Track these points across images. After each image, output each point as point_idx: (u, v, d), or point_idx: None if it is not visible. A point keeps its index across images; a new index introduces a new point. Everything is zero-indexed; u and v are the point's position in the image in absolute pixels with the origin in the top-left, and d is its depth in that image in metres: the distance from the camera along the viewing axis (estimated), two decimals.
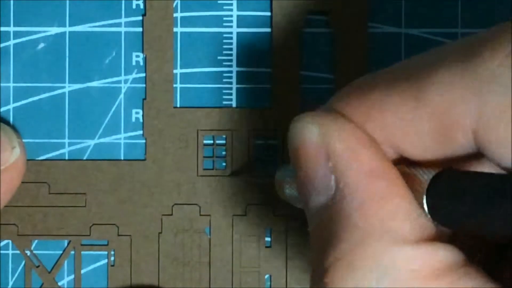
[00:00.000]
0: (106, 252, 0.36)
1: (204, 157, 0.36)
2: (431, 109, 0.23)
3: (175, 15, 0.36)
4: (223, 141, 0.36)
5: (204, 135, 0.36)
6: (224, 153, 0.36)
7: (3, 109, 0.36)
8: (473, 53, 0.23)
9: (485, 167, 0.24)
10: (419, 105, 0.24)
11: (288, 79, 0.36)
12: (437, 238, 0.24)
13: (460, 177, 0.23)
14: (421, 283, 0.23)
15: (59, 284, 0.36)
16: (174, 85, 0.36)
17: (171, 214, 0.36)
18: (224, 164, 0.36)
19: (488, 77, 0.22)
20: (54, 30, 0.36)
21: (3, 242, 0.36)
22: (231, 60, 0.36)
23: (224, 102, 0.36)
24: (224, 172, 0.36)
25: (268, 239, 0.36)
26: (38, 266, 0.36)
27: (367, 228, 0.24)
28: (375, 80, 0.25)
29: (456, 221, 0.23)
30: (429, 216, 0.24)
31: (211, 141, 0.36)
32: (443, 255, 0.23)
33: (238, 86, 0.36)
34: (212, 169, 0.36)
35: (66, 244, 0.36)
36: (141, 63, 0.36)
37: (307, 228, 0.36)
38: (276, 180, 0.32)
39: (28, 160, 0.36)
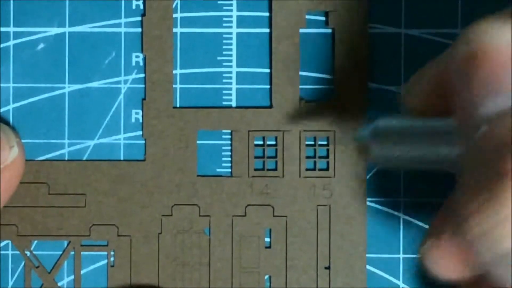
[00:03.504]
0: (106, 253, 0.36)
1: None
2: None
3: (175, 15, 0.36)
4: (224, 141, 0.36)
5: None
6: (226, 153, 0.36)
7: (3, 109, 0.36)
8: None
9: None
10: None
11: (288, 79, 0.36)
12: None
13: None
14: None
15: (59, 284, 0.36)
16: (174, 85, 0.36)
17: (171, 215, 0.36)
18: (224, 164, 0.36)
19: None
20: (54, 31, 0.36)
21: (3, 243, 0.36)
22: (231, 60, 0.36)
23: (224, 102, 0.36)
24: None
25: (268, 239, 0.36)
26: (38, 267, 0.36)
27: None
28: None
29: None
30: None
31: (213, 141, 0.36)
32: None
33: (238, 86, 0.36)
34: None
35: (65, 245, 0.36)
36: (141, 64, 0.36)
37: (307, 228, 0.36)
38: (359, 143, 0.30)
39: (27, 160, 0.36)
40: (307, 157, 0.36)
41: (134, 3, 0.36)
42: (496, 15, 0.25)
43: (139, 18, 0.36)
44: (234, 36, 0.36)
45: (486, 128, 0.24)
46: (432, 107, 0.28)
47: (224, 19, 0.36)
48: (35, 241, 0.36)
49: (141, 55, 0.36)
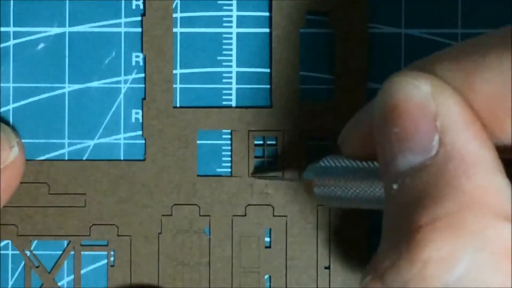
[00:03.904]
0: (105, 253, 0.36)
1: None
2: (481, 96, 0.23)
3: (174, 15, 0.36)
4: (225, 141, 0.36)
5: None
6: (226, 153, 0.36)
7: (3, 109, 0.36)
8: None
9: None
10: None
11: (288, 79, 0.36)
12: None
13: None
14: None
15: (59, 284, 0.36)
16: (174, 85, 0.36)
17: (171, 215, 0.36)
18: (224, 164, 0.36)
19: None
20: (54, 31, 0.36)
21: (3, 242, 0.36)
22: (231, 60, 0.36)
23: (224, 102, 0.36)
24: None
25: (268, 239, 0.36)
26: (38, 267, 0.36)
27: (474, 194, 0.23)
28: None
29: None
30: None
31: (213, 141, 0.36)
32: None
33: (238, 86, 0.36)
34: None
35: (65, 245, 0.36)
36: (141, 63, 0.36)
37: (307, 228, 0.36)
38: (304, 180, 0.32)
39: (27, 160, 0.36)
40: (307, 157, 0.36)
41: (134, 3, 0.36)
42: (411, 68, 0.26)
43: (139, 18, 0.36)
44: (234, 36, 0.36)
45: (398, 185, 0.25)
46: (366, 154, 0.29)
47: (224, 19, 0.36)
48: (35, 241, 0.36)
49: (141, 55, 0.36)
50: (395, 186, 0.25)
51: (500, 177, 0.24)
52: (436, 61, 0.25)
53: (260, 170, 0.36)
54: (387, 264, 0.24)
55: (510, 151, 0.25)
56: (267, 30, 0.36)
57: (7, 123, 0.36)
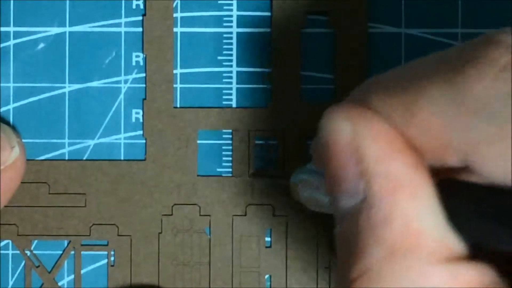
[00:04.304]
0: (106, 252, 0.36)
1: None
2: (422, 127, 0.23)
3: (175, 15, 0.36)
4: (225, 141, 0.36)
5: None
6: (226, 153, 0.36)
7: (3, 109, 0.36)
8: (460, 71, 0.22)
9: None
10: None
11: (288, 79, 0.36)
12: (466, 257, 0.23)
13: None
14: None
15: (59, 284, 0.36)
16: (174, 85, 0.36)
17: (171, 214, 0.36)
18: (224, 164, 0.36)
19: (474, 107, 0.21)
20: (54, 30, 0.36)
21: (3, 242, 0.36)
22: (231, 60, 0.36)
23: (224, 102, 0.36)
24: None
25: (268, 239, 0.36)
26: (38, 266, 0.36)
27: (395, 242, 0.23)
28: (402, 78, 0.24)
29: (477, 237, 0.23)
30: (456, 233, 0.23)
31: (213, 141, 0.36)
32: (475, 274, 0.23)
33: (238, 86, 0.36)
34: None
35: (66, 244, 0.36)
36: (141, 63, 0.36)
37: (307, 228, 0.36)
38: (291, 183, 0.32)
39: (28, 160, 0.36)
40: (308, 157, 0.36)
41: (135, 2, 0.36)
42: (348, 100, 0.25)
43: (139, 18, 0.36)
44: (234, 36, 0.36)
45: (340, 228, 0.24)
46: None
47: (225, 18, 0.36)
48: (35, 241, 0.36)
49: (141, 55, 0.36)
50: (337, 228, 0.24)
51: (425, 218, 0.23)
52: (374, 91, 0.24)
53: (260, 172, 0.36)
54: None
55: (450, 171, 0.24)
56: (268, 30, 0.36)
57: (7, 123, 0.36)
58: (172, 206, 0.36)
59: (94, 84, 0.36)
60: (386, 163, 0.23)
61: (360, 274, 0.23)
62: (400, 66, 0.24)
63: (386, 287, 0.23)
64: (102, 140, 0.36)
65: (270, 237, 0.36)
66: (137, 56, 0.36)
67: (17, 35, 0.36)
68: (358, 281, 0.23)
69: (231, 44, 0.36)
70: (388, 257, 0.23)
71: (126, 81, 0.36)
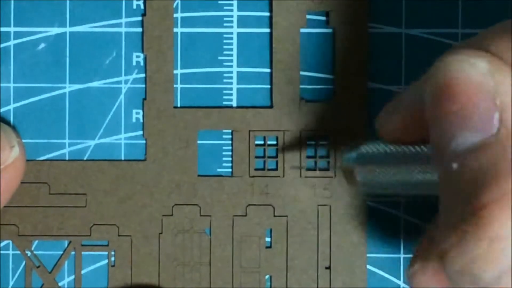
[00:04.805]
0: (106, 253, 0.36)
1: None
2: None
3: (175, 15, 0.36)
4: (225, 141, 0.36)
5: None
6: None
7: (3, 109, 0.36)
8: None
9: None
10: None
11: (288, 79, 0.36)
12: None
13: None
14: None
15: (60, 284, 0.36)
16: (174, 85, 0.36)
17: (172, 215, 0.36)
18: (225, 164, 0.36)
19: None
20: (54, 31, 0.36)
21: (4, 243, 0.36)
22: (231, 60, 0.36)
23: (225, 102, 0.36)
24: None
25: (268, 239, 0.36)
26: (38, 267, 0.36)
27: None
28: None
29: None
30: None
31: (213, 141, 0.36)
32: None
33: (239, 86, 0.36)
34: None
35: (66, 245, 0.36)
36: (142, 63, 0.36)
37: (307, 228, 0.36)
38: (345, 166, 0.31)
39: (28, 160, 0.36)
40: (308, 157, 0.36)
41: (135, 3, 0.36)
42: (464, 46, 0.25)
43: (139, 18, 0.36)
44: (234, 36, 0.36)
45: (457, 165, 0.24)
46: (408, 138, 0.29)
47: (225, 19, 0.36)
48: (36, 241, 0.36)
49: (141, 55, 0.36)
50: (455, 166, 0.24)
51: None
52: (489, 38, 0.25)
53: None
54: (448, 244, 0.24)
55: None
56: (268, 30, 0.36)
57: (7, 123, 0.36)
58: (173, 207, 0.36)
59: (95, 84, 0.36)
60: None
61: (495, 199, 0.23)
62: None
63: None
64: (103, 140, 0.36)
65: (271, 237, 0.36)
66: (138, 56, 0.36)
67: (17, 35, 0.36)
68: (491, 206, 0.23)
69: (231, 44, 0.36)
70: None
71: (126, 81, 0.36)
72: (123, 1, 0.36)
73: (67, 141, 0.36)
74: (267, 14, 0.36)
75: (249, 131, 0.36)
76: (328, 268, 0.36)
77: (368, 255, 0.36)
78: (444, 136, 0.25)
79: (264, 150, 0.36)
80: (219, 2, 0.36)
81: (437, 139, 0.25)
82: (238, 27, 0.36)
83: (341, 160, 0.32)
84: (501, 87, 0.24)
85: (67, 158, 0.36)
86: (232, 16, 0.36)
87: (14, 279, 0.36)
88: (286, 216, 0.36)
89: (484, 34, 0.25)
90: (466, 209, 0.24)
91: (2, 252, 0.36)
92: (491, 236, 0.23)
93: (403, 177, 0.29)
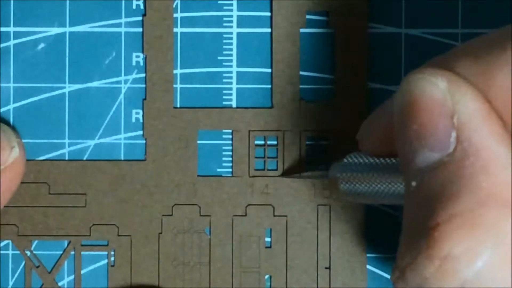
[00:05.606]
0: (106, 253, 0.36)
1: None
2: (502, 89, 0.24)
3: (175, 15, 0.36)
4: (225, 141, 0.36)
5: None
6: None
7: (3, 109, 0.36)
8: None
9: None
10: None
11: (288, 79, 0.36)
12: None
13: None
14: None
15: (59, 284, 0.36)
16: (174, 85, 0.36)
17: (171, 215, 0.36)
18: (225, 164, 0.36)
19: None
20: (54, 31, 0.36)
21: (3, 243, 0.36)
22: (231, 60, 0.36)
23: (225, 102, 0.36)
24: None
25: (268, 239, 0.36)
26: (38, 267, 0.36)
27: (491, 190, 0.23)
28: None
29: None
30: None
31: (213, 141, 0.36)
32: None
33: (239, 86, 0.36)
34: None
35: (66, 245, 0.36)
36: (141, 63, 0.36)
37: (307, 228, 0.36)
38: (330, 178, 0.32)
39: (28, 160, 0.36)
40: (308, 157, 0.36)
41: (135, 3, 0.36)
42: (428, 65, 0.26)
43: (139, 18, 0.36)
44: (234, 36, 0.36)
45: (415, 182, 0.25)
46: (385, 151, 0.29)
47: (225, 19, 0.36)
48: (36, 241, 0.36)
49: (141, 55, 0.36)
50: (413, 183, 0.25)
51: None
52: (453, 57, 0.25)
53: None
54: (406, 261, 0.24)
55: None
56: (268, 30, 0.36)
57: (7, 123, 0.36)
58: (172, 206, 0.36)
59: (94, 84, 0.36)
60: (485, 117, 0.24)
61: (447, 219, 0.23)
62: (484, 34, 0.26)
63: (475, 233, 0.23)
64: (102, 140, 0.36)
65: (271, 237, 0.36)
66: (137, 56, 0.36)
67: (17, 35, 0.36)
68: (443, 225, 0.23)
69: (231, 44, 0.36)
70: (482, 205, 0.23)
71: (126, 81, 0.36)
72: (123, 1, 0.36)
73: (66, 141, 0.36)
74: (267, 14, 0.36)
75: (249, 131, 0.36)
76: (328, 268, 0.36)
77: (368, 255, 0.36)
78: (405, 153, 0.25)
79: (264, 150, 0.36)
80: (219, 2, 0.36)
81: (401, 155, 0.26)
82: (238, 27, 0.36)
83: (329, 171, 0.33)
84: (459, 106, 0.24)
85: (66, 158, 0.36)
86: (232, 16, 0.36)
87: (14, 279, 0.36)
88: (286, 216, 0.36)
89: (451, 52, 0.26)
90: (421, 228, 0.24)
91: (2, 252, 0.36)
92: (443, 256, 0.23)
93: (383, 189, 0.29)
